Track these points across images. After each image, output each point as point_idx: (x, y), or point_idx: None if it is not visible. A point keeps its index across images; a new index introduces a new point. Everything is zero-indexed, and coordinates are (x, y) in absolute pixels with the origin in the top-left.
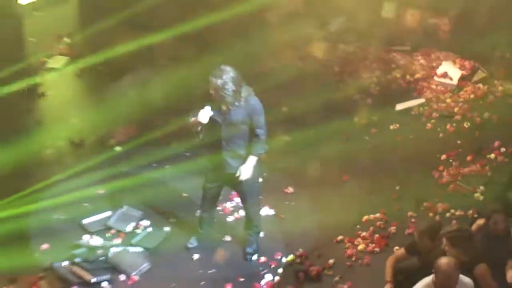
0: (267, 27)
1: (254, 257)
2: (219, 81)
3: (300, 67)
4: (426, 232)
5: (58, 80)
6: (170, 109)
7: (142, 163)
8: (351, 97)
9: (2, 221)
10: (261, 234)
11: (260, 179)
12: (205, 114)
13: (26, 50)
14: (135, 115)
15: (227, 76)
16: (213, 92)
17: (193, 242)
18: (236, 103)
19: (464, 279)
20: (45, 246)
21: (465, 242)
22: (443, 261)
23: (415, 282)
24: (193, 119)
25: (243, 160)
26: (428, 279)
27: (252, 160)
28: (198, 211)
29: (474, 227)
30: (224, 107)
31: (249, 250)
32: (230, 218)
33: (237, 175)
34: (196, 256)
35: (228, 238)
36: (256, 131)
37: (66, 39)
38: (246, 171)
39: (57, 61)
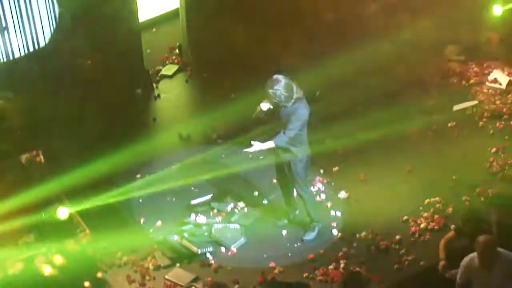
0: None
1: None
2: (271, 91)
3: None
4: (469, 218)
5: (170, 85)
6: None
7: (238, 155)
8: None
9: (124, 204)
10: (338, 214)
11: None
12: (265, 104)
13: (144, 60)
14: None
15: (278, 86)
16: (267, 99)
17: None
18: (288, 104)
19: (509, 255)
20: (158, 223)
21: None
22: (481, 238)
23: None
24: (258, 108)
25: (290, 154)
26: (473, 254)
27: (267, 143)
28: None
29: None
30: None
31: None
32: None
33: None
34: (284, 232)
35: None
36: (285, 126)
37: (176, 51)
38: (256, 145)
39: (169, 69)
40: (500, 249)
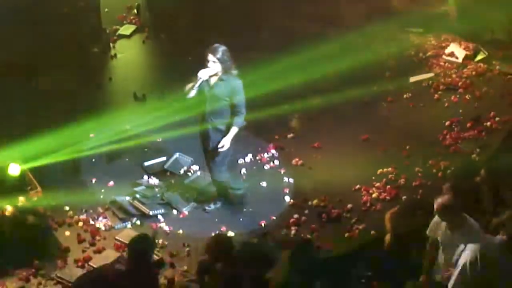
0: None
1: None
2: (218, 55)
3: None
4: (400, 214)
5: (127, 45)
6: None
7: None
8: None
9: (75, 162)
10: (291, 181)
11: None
12: (205, 73)
13: (102, 19)
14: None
15: (223, 50)
16: (209, 60)
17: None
18: (224, 78)
19: (471, 220)
20: (111, 183)
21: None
22: (439, 199)
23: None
24: (198, 78)
25: (222, 134)
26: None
27: (233, 131)
28: None
29: None
30: (211, 80)
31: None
32: (266, 167)
33: (219, 146)
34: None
35: (264, 183)
36: (236, 108)
37: (134, 11)
38: (226, 142)
39: (127, 29)
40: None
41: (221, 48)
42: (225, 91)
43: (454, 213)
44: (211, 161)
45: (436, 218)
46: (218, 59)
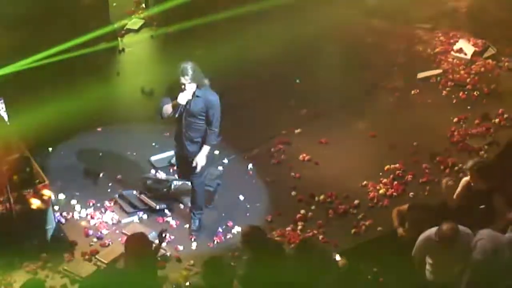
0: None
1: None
2: (191, 73)
3: (337, 36)
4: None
5: (134, 39)
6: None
7: None
8: (379, 64)
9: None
10: (298, 176)
11: (220, 168)
12: (184, 97)
13: (109, 13)
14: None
15: (192, 66)
16: (183, 84)
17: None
18: (199, 94)
19: (465, 230)
20: (119, 177)
21: (490, 171)
22: (444, 228)
23: None
24: (174, 101)
25: (199, 146)
26: (430, 232)
27: (205, 149)
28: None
29: None
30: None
31: (193, 227)
32: (273, 162)
33: (193, 165)
34: (242, 197)
35: (270, 179)
36: (211, 124)
37: (142, 5)
38: (201, 160)
39: (135, 23)
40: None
41: (190, 66)
42: (201, 106)
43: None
44: (190, 174)
45: (426, 236)
46: (191, 78)
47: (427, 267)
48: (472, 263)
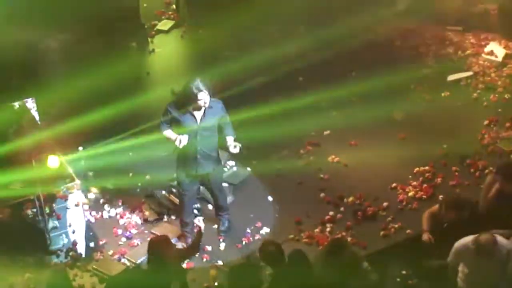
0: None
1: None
2: (205, 85)
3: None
4: (451, 205)
5: (165, 40)
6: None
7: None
8: (409, 66)
9: (113, 154)
10: (327, 177)
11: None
12: (185, 139)
13: (140, 14)
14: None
15: (203, 80)
16: (200, 99)
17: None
18: (211, 105)
19: (503, 240)
20: (148, 177)
21: None
22: (483, 239)
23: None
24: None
25: (214, 160)
26: (467, 240)
27: (231, 139)
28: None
29: None
30: (197, 114)
31: (222, 228)
32: (302, 163)
33: (234, 150)
34: (270, 198)
35: (299, 180)
36: (226, 126)
37: (173, 6)
38: (233, 145)
39: (165, 24)
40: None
41: (201, 81)
42: (214, 117)
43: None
44: (212, 189)
45: (463, 244)
46: (208, 90)
47: (460, 274)
48: (509, 275)
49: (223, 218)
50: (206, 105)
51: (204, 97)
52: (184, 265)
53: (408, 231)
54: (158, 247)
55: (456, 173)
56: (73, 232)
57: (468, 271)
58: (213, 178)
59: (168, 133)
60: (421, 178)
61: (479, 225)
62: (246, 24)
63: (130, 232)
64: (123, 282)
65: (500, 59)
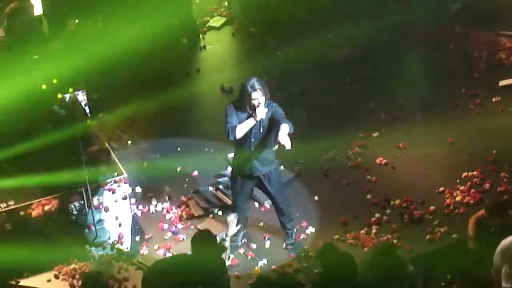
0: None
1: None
2: (260, 85)
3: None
4: (495, 209)
5: (216, 37)
6: None
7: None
8: (461, 71)
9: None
10: (374, 179)
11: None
12: (262, 111)
13: (193, 10)
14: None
15: (258, 80)
16: (256, 99)
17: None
18: (266, 105)
19: None
20: (195, 173)
21: None
22: None
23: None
24: (252, 118)
25: (270, 164)
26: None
27: (285, 127)
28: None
29: None
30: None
31: (288, 241)
32: (349, 164)
33: (285, 141)
34: (316, 198)
35: (347, 181)
36: (281, 118)
37: (225, 3)
38: (284, 138)
39: (217, 21)
40: None
41: (258, 80)
42: (271, 118)
43: None
44: (270, 192)
45: (507, 243)
46: (264, 92)
47: (503, 276)
48: None
49: (288, 232)
50: (260, 105)
51: (258, 97)
52: (229, 262)
53: (454, 235)
54: (201, 242)
55: (505, 180)
56: (120, 225)
57: (510, 272)
58: (270, 180)
59: (241, 128)
60: (469, 183)
61: None
62: (298, 24)
63: (176, 227)
64: (167, 268)
65: None
